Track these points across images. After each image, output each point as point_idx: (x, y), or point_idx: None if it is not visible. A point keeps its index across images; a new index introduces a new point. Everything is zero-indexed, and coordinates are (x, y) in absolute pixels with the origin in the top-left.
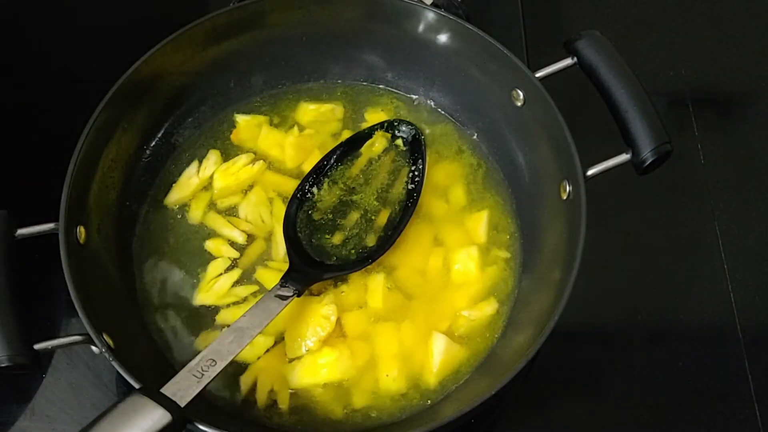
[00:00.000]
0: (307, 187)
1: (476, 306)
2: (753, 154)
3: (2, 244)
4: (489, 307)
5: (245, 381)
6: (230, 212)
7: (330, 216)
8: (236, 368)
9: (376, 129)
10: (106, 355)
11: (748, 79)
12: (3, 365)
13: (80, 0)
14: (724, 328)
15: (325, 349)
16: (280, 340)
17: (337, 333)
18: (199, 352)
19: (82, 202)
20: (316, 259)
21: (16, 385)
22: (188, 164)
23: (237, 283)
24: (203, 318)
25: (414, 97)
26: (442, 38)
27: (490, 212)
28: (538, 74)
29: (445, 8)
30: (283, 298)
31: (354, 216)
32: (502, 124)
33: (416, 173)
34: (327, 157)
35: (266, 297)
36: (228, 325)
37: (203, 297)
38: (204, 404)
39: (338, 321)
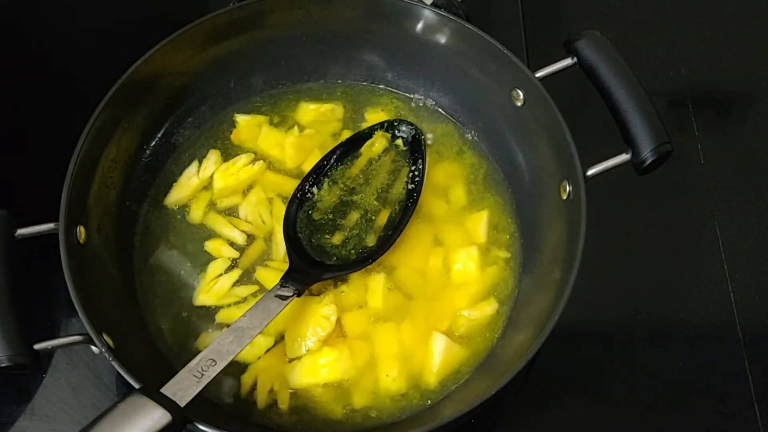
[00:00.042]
0: (307, 187)
1: (476, 306)
2: (753, 154)
3: (2, 244)
4: (489, 307)
5: (245, 381)
6: (230, 212)
7: (330, 216)
8: (236, 368)
9: (376, 129)
10: (106, 355)
11: (748, 79)
12: (3, 365)
13: (80, 0)
14: (724, 328)
15: (325, 349)
16: (280, 340)
17: (337, 333)
18: (199, 352)
19: (82, 202)
20: (316, 259)
21: (16, 385)
22: (188, 164)
23: (237, 283)
24: (203, 318)
25: (414, 97)
26: (442, 38)
27: (490, 212)
28: (538, 74)
29: (445, 8)
30: (283, 298)
31: (354, 216)
32: (502, 124)
33: (416, 173)
34: (327, 157)
35: (266, 297)
36: (228, 325)
37: (204, 297)
38: (204, 404)
39: (338, 321)
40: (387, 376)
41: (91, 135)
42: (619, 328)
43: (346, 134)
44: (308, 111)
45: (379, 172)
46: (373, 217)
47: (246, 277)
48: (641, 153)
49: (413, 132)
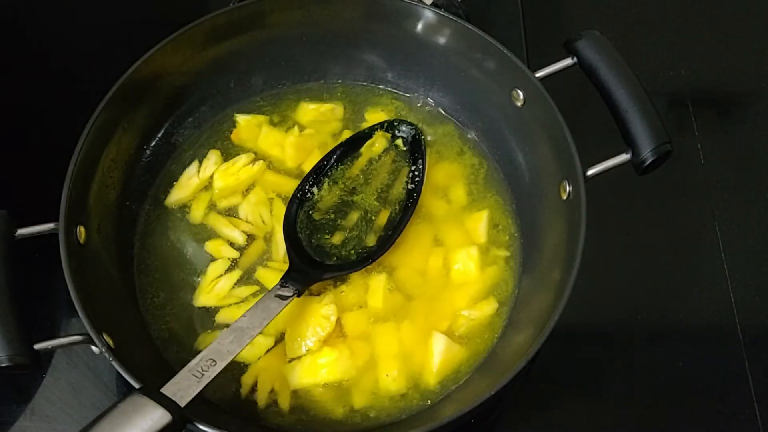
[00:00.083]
0: (307, 187)
1: (476, 306)
2: (753, 154)
3: (2, 244)
4: (489, 307)
5: (246, 381)
6: (230, 212)
7: (330, 216)
8: (237, 368)
9: (376, 129)
10: (106, 355)
11: (748, 79)
12: (3, 365)
13: (80, 0)
14: (724, 328)
15: (325, 349)
16: (280, 340)
17: (337, 333)
18: (199, 352)
19: (82, 202)
20: (316, 259)
21: (16, 385)
22: (188, 164)
23: (237, 283)
24: (203, 318)
25: (414, 96)
26: (442, 38)
27: (490, 212)
28: (538, 74)
29: (445, 8)
30: (283, 298)
31: (354, 216)
32: (502, 124)
33: (416, 173)
34: (327, 157)
35: (266, 297)
36: (228, 325)
37: (204, 299)
38: (204, 404)
39: (338, 321)
40: (387, 376)
41: (91, 135)
42: (619, 328)
43: (346, 134)
44: (308, 111)
45: (379, 172)
46: (373, 217)
47: (246, 278)
48: (641, 153)
49: (413, 132)
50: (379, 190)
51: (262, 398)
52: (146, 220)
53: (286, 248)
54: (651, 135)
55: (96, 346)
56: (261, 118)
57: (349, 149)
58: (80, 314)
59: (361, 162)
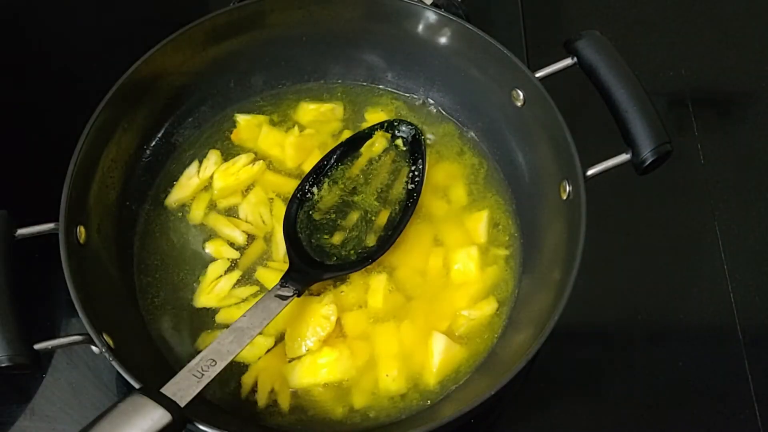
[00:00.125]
0: (307, 187)
1: (476, 306)
2: (753, 154)
3: (2, 244)
4: (489, 307)
5: (246, 381)
6: (230, 212)
7: (330, 216)
8: (237, 368)
9: (376, 129)
10: (106, 355)
11: (748, 79)
12: (3, 365)
13: (80, 0)
14: (724, 328)
15: (325, 349)
16: (280, 340)
17: (337, 333)
18: (199, 352)
19: (82, 202)
20: (316, 259)
21: (16, 385)
22: (188, 164)
23: (237, 283)
24: (203, 318)
25: (414, 97)
26: (442, 38)
27: (490, 212)
28: (538, 74)
29: (445, 8)
30: (283, 298)
31: (354, 216)
32: (502, 124)
33: (416, 173)
34: (327, 157)
35: (266, 297)
36: (228, 325)
37: (204, 300)
38: (204, 404)
39: (338, 321)
40: (387, 376)
41: (91, 135)
42: (619, 328)
43: (346, 134)
44: (308, 111)
45: (379, 172)
46: (373, 217)
47: (246, 278)
48: (641, 153)
49: (413, 132)
50: (379, 190)
51: (262, 398)
52: (146, 220)
53: (286, 248)
54: (651, 135)
55: (96, 346)
56: (261, 118)
57: (349, 149)
58: (80, 314)
59: (361, 162)
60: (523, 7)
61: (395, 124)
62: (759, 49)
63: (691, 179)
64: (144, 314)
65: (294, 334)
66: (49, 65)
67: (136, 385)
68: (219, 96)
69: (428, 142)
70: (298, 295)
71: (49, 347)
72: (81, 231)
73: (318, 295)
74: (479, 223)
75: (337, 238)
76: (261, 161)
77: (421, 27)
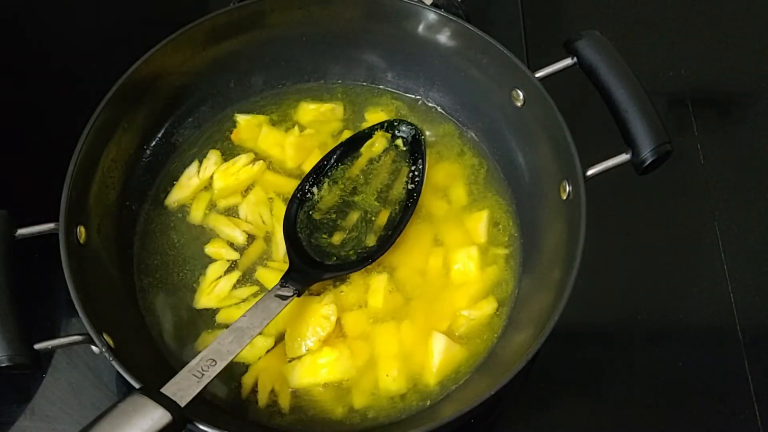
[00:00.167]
0: (307, 187)
1: (476, 306)
2: (753, 154)
3: (2, 244)
4: (489, 307)
5: (246, 382)
6: (230, 212)
7: (330, 216)
8: (237, 368)
9: (376, 129)
10: (106, 355)
11: (748, 79)
12: (3, 365)
13: (80, 0)
14: (724, 328)
15: (325, 349)
16: (280, 340)
17: (337, 333)
18: (199, 352)
19: (82, 202)
20: (316, 259)
21: (16, 385)
22: (188, 164)
23: (237, 283)
24: (203, 318)
25: (414, 97)
26: (442, 38)
27: (490, 212)
28: (538, 74)
29: (445, 8)
30: (283, 298)
31: (354, 216)
32: (502, 124)
33: (416, 173)
34: (327, 157)
35: (266, 297)
36: (228, 325)
37: (204, 301)
38: (204, 404)
39: (338, 321)
40: (387, 376)
41: (91, 135)
42: (619, 328)
43: (346, 134)
44: (308, 111)
45: (380, 172)
46: (373, 217)
47: (246, 278)
48: (641, 153)
49: (413, 132)
50: (379, 190)
51: (262, 398)
52: (146, 220)
53: (286, 248)
54: (651, 135)
55: (96, 346)
56: (261, 118)
57: (349, 149)
58: (80, 314)
59: (361, 162)
60: (523, 7)
61: (395, 124)
62: (759, 49)
63: (691, 179)
64: (144, 314)
65: (294, 334)
66: (49, 65)
67: (136, 385)
68: (219, 96)
69: (428, 142)
70: (298, 295)
71: (49, 347)
72: (81, 231)
73: (318, 295)
74: (479, 223)
75: (337, 238)
76: (261, 161)
77: (421, 27)
